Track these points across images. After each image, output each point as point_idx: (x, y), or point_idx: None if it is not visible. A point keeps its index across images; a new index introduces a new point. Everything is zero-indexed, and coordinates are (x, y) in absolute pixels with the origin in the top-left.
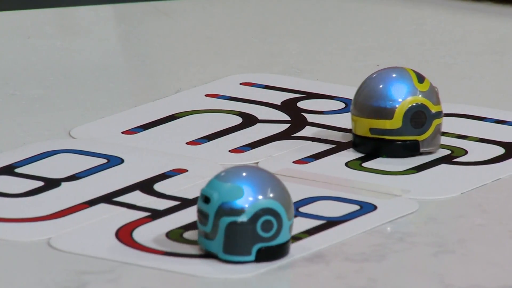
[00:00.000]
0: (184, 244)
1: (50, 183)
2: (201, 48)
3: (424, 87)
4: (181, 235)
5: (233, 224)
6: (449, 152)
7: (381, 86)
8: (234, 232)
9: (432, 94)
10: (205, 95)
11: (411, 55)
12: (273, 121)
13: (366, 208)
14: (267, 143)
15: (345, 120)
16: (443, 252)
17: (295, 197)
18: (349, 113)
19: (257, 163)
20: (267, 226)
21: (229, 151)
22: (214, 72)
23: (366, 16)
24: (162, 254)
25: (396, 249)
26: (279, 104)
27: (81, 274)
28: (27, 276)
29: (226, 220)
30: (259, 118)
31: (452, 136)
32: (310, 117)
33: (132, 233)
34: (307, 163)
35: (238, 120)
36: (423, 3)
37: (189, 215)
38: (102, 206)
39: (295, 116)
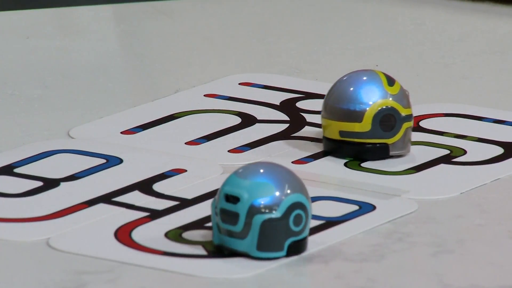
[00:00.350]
0: (183, 244)
1: (49, 183)
2: (200, 48)
3: (394, 90)
4: (180, 235)
5: (268, 221)
6: (448, 152)
7: (351, 89)
8: (269, 229)
9: (403, 97)
10: (204, 95)
11: (410, 55)
12: (272, 121)
13: (365, 208)
14: (266, 143)
15: None
16: (442, 252)
17: None
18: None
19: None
20: (298, 220)
21: (228, 151)
22: (213, 72)
23: (365, 16)
24: (161, 254)
25: (395, 249)
26: (278, 104)
27: (80, 274)
28: (26, 276)
29: (260, 218)
30: (258, 118)
31: (451, 136)
32: (309, 117)
33: (131, 233)
34: (306, 163)
35: (237, 120)
36: (422, 3)
37: (188, 215)
38: (101, 206)
39: (294, 116)
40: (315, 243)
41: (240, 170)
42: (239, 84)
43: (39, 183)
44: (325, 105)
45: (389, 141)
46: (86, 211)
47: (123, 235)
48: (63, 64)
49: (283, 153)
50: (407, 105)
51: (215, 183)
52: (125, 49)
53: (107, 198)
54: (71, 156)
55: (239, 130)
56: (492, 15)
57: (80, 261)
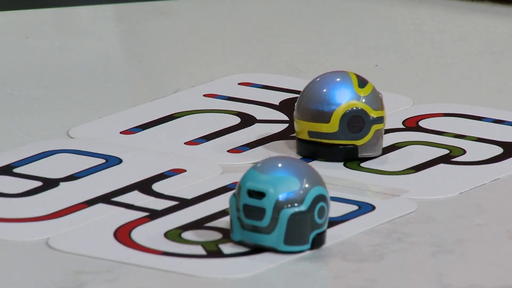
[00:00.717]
0: (183, 244)
1: (49, 183)
2: (199, 48)
3: (365, 91)
4: (179, 235)
5: (295, 215)
6: (448, 151)
7: (321, 90)
8: (296, 223)
9: (374, 99)
10: (204, 95)
11: (410, 55)
12: (272, 121)
13: (364, 208)
14: (266, 143)
15: None
16: (441, 252)
17: None
18: None
19: (255, 163)
20: (321, 212)
21: (228, 151)
22: (212, 72)
23: (365, 16)
24: (160, 254)
25: (394, 249)
26: (277, 104)
27: (80, 274)
28: (26, 276)
29: (287, 212)
30: (258, 118)
31: (450, 136)
32: None
33: (131, 233)
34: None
35: (236, 120)
36: (422, 3)
37: (188, 215)
38: (101, 206)
39: (293, 116)
40: None
41: (259, 165)
42: (238, 84)
43: (38, 183)
44: (297, 106)
45: (358, 142)
46: (85, 211)
47: (123, 235)
48: (63, 64)
49: (282, 153)
50: (379, 107)
51: (214, 183)
52: (125, 49)
53: (107, 198)
54: (70, 156)
55: (238, 130)
56: (492, 15)
57: (80, 261)
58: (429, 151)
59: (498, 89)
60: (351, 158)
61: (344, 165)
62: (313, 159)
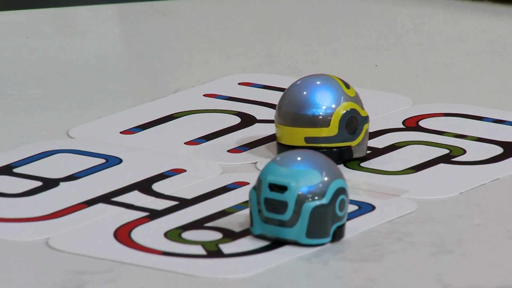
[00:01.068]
0: (183, 244)
1: (49, 183)
2: (199, 48)
3: (351, 92)
4: (179, 235)
5: (317, 208)
6: (448, 151)
7: (310, 93)
8: (318, 216)
9: (359, 99)
10: (204, 95)
11: (409, 55)
12: (272, 121)
13: (364, 208)
14: (266, 143)
15: None
16: (441, 252)
17: None
18: None
19: (255, 163)
20: (342, 205)
21: (228, 151)
22: (212, 72)
23: (364, 16)
24: (160, 254)
25: (394, 249)
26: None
27: (80, 274)
28: (26, 276)
29: (309, 205)
30: (258, 118)
31: (450, 136)
32: None
33: (131, 233)
34: None
35: (236, 120)
36: (422, 3)
37: (188, 215)
38: (101, 206)
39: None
40: None
41: (279, 159)
42: (238, 84)
43: (38, 183)
44: (280, 111)
45: (353, 143)
46: (85, 211)
47: (123, 235)
48: (63, 64)
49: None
50: (363, 107)
51: (214, 183)
52: (125, 49)
53: (107, 198)
54: (70, 156)
55: (238, 130)
56: (492, 14)
57: (80, 261)
58: (429, 151)
59: (498, 89)
60: (347, 160)
61: (344, 165)
62: None
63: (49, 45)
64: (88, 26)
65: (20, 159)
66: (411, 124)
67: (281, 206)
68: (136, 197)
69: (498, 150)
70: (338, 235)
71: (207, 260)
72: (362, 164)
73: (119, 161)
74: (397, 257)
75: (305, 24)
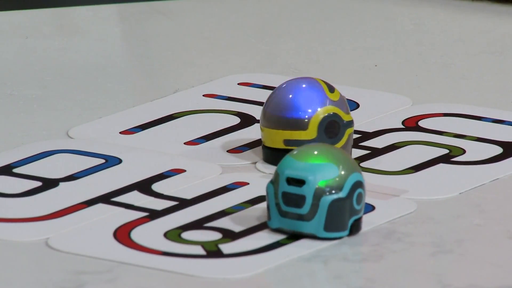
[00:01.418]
0: (182, 244)
1: (48, 183)
2: (199, 48)
3: (335, 96)
4: (179, 235)
5: (335, 201)
6: (447, 151)
7: (292, 97)
8: (336, 209)
9: (343, 103)
10: (203, 95)
11: (409, 55)
12: None
13: (364, 208)
14: None
15: None
16: (441, 252)
17: None
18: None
19: (255, 163)
20: (359, 198)
21: (227, 151)
22: (212, 72)
23: (364, 16)
24: (160, 254)
25: (394, 249)
26: None
27: (79, 274)
28: (25, 276)
29: (327, 199)
30: (257, 118)
31: (450, 136)
32: None
33: (130, 233)
34: None
35: (236, 120)
36: (422, 3)
37: (187, 215)
38: (100, 206)
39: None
40: (314, 243)
41: (296, 153)
42: (238, 84)
43: (38, 183)
44: (265, 114)
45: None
46: (85, 211)
47: (122, 235)
48: (62, 64)
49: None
50: (348, 111)
51: (214, 183)
52: (124, 49)
53: (106, 198)
54: (70, 156)
55: (238, 130)
56: (491, 14)
57: (79, 261)
58: (428, 151)
59: (498, 89)
60: None
61: None
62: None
63: (49, 45)
64: (88, 26)
65: (19, 159)
66: (411, 124)
67: (299, 200)
68: (135, 197)
69: (498, 150)
70: (355, 228)
71: (207, 260)
72: (362, 164)
73: (119, 161)
74: (397, 257)
75: (305, 24)
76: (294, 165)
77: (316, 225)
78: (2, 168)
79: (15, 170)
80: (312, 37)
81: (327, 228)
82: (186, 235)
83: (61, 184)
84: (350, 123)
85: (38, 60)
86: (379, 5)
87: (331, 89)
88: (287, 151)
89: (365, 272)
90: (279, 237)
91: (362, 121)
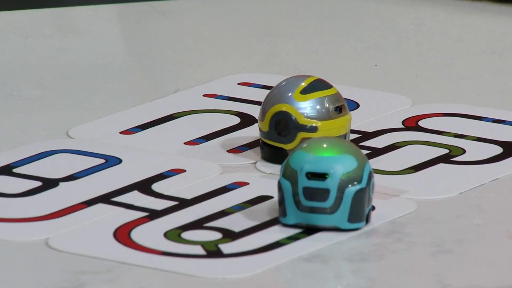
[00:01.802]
0: (182, 244)
1: (48, 183)
2: (199, 48)
3: (304, 98)
4: (179, 235)
5: (358, 192)
6: (447, 151)
7: (273, 90)
8: (359, 200)
9: (313, 108)
10: (203, 95)
11: (409, 55)
12: None
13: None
14: None
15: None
16: (441, 252)
17: None
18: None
19: (255, 163)
20: (373, 187)
21: (227, 151)
22: (212, 72)
23: (364, 16)
24: (160, 254)
25: (394, 249)
26: None
27: (79, 274)
28: (25, 276)
29: (351, 190)
30: (257, 118)
31: (450, 136)
32: None
33: (130, 233)
34: None
35: (236, 120)
36: (422, 3)
37: (187, 215)
38: (100, 206)
39: None
40: (314, 243)
41: (306, 146)
42: (238, 84)
43: (38, 183)
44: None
45: (286, 146)
46: (85, 211)
47: (122, 235)
48: (62, 64)
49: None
50: (316, 117)
51: (214, 183)
52: (124, 49)
53: (106, 198)
54: (70, 156)
55: (238, 130)
56: (491, 14)
57: (79, 261)
58: (428, 151)
59: (498, 89)
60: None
61: None
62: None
63: (49, 45)
64: (88, 26)
65: (19, 159)
66: (411, 124)
67: (323, 194)
68: (135, 197)
69: (498, 150)
70: (369, 218)
71: (207, 260)
72: None
73: (119, 161)
74: (396, 257)
75: (305, 24)
76: (310, 159)
77: (339, 217)
78: (2, 168)
79: (15, 170)
80: (312, 37)
81: (350, 219)
82: (186, 235)
83: (61, 184)
84: (309, 129)
85: (38, 60)
86: (379, 5)
87: (307, 91)
88: (265, 144)
89: (365, 272)
90: (279, 237)
91: (362, 121)
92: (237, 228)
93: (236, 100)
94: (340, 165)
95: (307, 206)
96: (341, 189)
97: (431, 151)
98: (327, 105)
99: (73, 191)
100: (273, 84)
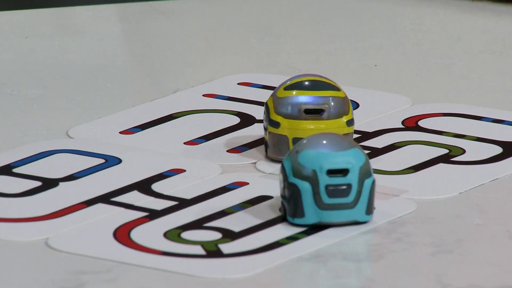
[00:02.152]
0: (182, 244)
1: (48, 183)
2: (199, 48)
3: (284, 94)
4: (178, 235)
5: (373, 184)
6: (447, 151)
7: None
8: (373, 191)
9: (285, 105)
10: (203, 95)
11: (409, 55)
12: None
13: None
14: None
15: None
16: (441, 252)
17: None
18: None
19: (255, 163)
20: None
21: (227, 151)
22: (212, 72)
23: (364, 16)
24: (160, 254)
25: (394, 249)
26: None
27: (79, 274)
28: (25, 276)
29: (368, 182)
30: (257, 118)
31: (450, 136)
32: None
33: (130, 233)
34: None
35: (235, 120)
36: (422, 3)
37: (187, 215)
38: (100, 206)
39: None
40: (314, 243)
41: (310, 144)
42: (238, 84)
43: (38, 183)
44: None
45: (266, 138)
46: (85, 211)
47: (122, 235)
48: (62, 64)
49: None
50: (286, 115)
51: (214, 183)
52: (124, 49)
53: (106, 198)
54: (70, 156)
55: (238, 130)
56: (492, 14)
57: (79, 261)
58: (428, 151)
59: (497, 89)
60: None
61: None
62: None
63: (48, 45)
64: (88, 26)
65: (19, 159)
66: (411, 124)
67: (346, 189)
68: (135, 197)
69: (498, 150)
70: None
71: (207, 260)
72: None
73: (119, 161)
74: (396, 257)
75: (305, 24)
76: (326, 156)
77: (359, 210)
78: (2, 168)
79: (15, 170)
80: (312, 37)
81: (367, 211)
82: (185, 235)
83: (61, 184)
84: (273, 124)
85: (38, 60)
86: (379, 5)
87: (290, 88)
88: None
89: (365, 272)
90: (279, 237)
91: (362, 121)
92: (237, 228)
93: (236, 100)
94: (355, 159)
95: (329, 203)
96: (361, 183)
97: (431, 151)
98: (301, 106)
99: (73, 191)
100: (273, 84)
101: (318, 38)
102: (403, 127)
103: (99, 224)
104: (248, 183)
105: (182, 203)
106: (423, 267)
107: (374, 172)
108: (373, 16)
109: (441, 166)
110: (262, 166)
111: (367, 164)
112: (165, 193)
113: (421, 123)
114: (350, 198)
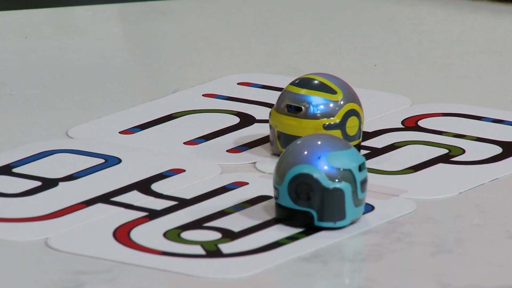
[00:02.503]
0: (182, 244)
1: (48, 183)
2: (198, 48)
3: (296, 89)
4: (178, 235)
5: None
6: (447, 151)
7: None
8: None
9: (281, 100)
10: (203, 95)
11: (409, 54)
12: None
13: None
14: (265, 143)
15: None
16: (440, 252)
17: None
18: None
19: (254, 163)
20: None
21: (227, 151)
22: (211, 72)
23: (363, 16)
24: (159, 254)
25: (393, 249)
26: None
27: (79, 274)
28: (25, 276)
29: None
30: (257, 118)
31: (449, 136)
32: None
33: (130, 233)
34: None
35: (235, 120)
36: (421, 3)
37: (187, 215)
38: (100, 206)
39: None
40: (313, 243)
41: (323, 145)
42: (237, 84)
43: (37, 183)
44: None
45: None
46: (84, 211)
47: (122, 235)
48: (62, 64)
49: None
50: (279, 109)
51: (213, 183)
52: (124, 49)
53: (106, 198)
54: (69, 156)
55: (238, 130)
56: (492, 14)
57: (79, 261)
58: (428, 151)
59: (497, 89)
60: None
61: None
62: None
63: (48, 45)
64: (88, 26)
65: (19, 159)
66: (410, 124)
67: (367, 183)
68: (135, 197)
69: (497, 150)
70: None
71: (206, 260)
72: None
73: (118, 161)
74: (396, 257)
75: (305, 24)
76: (347, 154)
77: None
78: (2, 168)
79: (15, 170)
80: (312, 37)
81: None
82: (185, 235)
83: (61, 184)
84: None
85: (37, 60)
86: (379, 5)
87: (292, 83)
88: None
89: (365, 272)
90: (278, 237)
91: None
92: (236, 228)
93: (235, 100)
94: (358, 157)
95: (361, 198)
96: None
97: (431, 151)
98: (287, 104)
99: (72, 191)
100: (273, 84)
101: (318, 38)
102: (403, 127)
103: (98, 224)
104: (247, 183)
105: (182, 203)
106: (422, 267)
107: (374, 172)
108: (373, 16)
109: (440, 166)
110: (262, 166)
111: None
112: (165, 193)
113: (421, 123)
114: (365, 193)
